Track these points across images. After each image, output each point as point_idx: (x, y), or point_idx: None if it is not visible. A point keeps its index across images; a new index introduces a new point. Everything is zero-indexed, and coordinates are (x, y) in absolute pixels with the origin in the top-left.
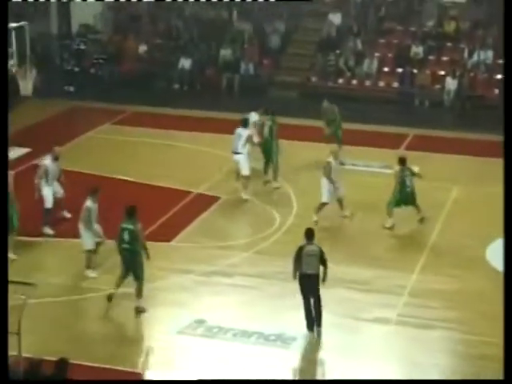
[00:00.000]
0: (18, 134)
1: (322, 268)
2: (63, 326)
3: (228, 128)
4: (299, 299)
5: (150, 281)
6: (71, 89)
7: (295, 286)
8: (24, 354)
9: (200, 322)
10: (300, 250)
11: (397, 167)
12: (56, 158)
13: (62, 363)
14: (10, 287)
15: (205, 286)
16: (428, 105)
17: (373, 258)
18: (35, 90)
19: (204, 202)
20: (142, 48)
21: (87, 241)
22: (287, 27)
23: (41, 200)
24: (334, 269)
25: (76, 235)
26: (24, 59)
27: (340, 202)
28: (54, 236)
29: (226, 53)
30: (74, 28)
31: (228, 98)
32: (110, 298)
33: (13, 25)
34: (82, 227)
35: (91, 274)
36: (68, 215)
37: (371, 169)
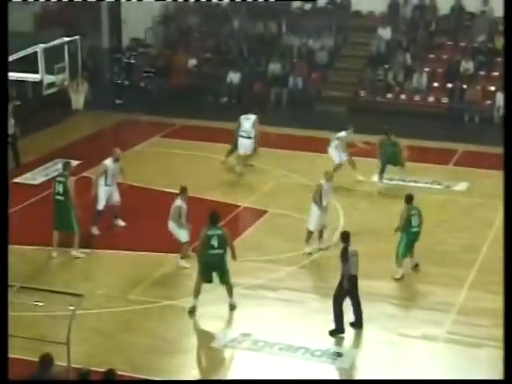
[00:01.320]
0: (69, 147)
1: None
2: (110, 337)
3: (276, 142)
4: (345, 314)
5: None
6: (121, 102)
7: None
8: (72, 365)
9: (245, 335)
10: (345, 251)
11: (404, 206)
12: (117, 160)
13: (110, 374)
14: (58, 298)
15: (250, 300)
16: (478, 120)
17: (419, 273)
18: (86, 103)
19: (251, 215)
20: (191, 62)
21: (182, 234)
22: (336, 42)
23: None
24: (380, 284)
25: (124, 247)
26: (76, 73)
27: (321, 230)
28: (101, 247)
29: (274, 67)
30: (125, 42)
31: (276, 112)
32: (192, 310)
33: (65, 39)
34: (173, 225)
35: (185, 264)
36: (122, 223)
37: (419, 184)
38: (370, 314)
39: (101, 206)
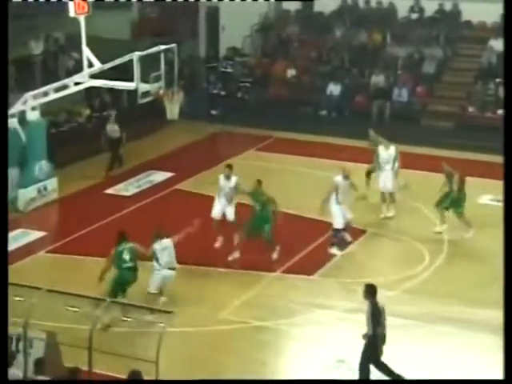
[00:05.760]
0: (162, 158)
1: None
2: (196, 356)
3: None
4: (446, 343)
5: (288, 316)
6: (216, 113)
7: (444, 328)
8: None
9: (340, 361)
10: (375, 307)
11: None
12: (346, 177)
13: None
14: (149, 315)
15: (346, 324)
16: None
17: (465, 293)
18: (181, 113)
19: (349, 235)
20: (290, 72)
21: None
22: (444, 53)
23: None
24: (435, 306)
25: (216, 264)
26: (172, 82)
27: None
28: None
29: (377, 79)
30: (222, 51)
31: (378, 127)
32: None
33: (162, 47)
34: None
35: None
36: (349, 239)
37: None
38: (419, 334)
39: (339, 224)
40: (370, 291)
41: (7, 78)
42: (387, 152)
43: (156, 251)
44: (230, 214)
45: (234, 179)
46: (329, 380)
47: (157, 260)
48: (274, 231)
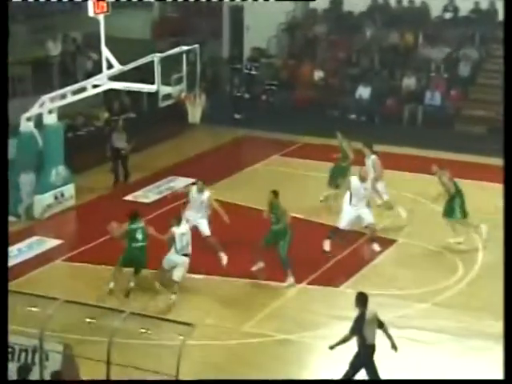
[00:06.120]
0: (183, 164)
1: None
2: (218, 370)
3: (409, 165)
4: (482, 359)
5: (313, 328)
6: (240, 116)
7: (477, 343)
8: None
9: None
10: (361, 317)
11: None
12: (363, 179)
13: None
14: (167, 326)
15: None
16: None
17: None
18: (203, 117)
19: (378, 244)
20: (318, 74)
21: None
22: (479, 55)
23: None
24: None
25: (236, 274)
26: (194, 84)
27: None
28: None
29: (409, 82)
30: (246, 52)
31: (410, 132)
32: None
33: (184, 48)
34: None
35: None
36: (378, 248)
37: None
38: (459, 349)
39: (341, 223)
40: (361, 299)
41: (7, 78)
42: (367, 162)
43: (176, 235)
44: (205, 229)
45: (206, 193)
46: (329, 380)
47: (175, 244)
48: (294, 245)
